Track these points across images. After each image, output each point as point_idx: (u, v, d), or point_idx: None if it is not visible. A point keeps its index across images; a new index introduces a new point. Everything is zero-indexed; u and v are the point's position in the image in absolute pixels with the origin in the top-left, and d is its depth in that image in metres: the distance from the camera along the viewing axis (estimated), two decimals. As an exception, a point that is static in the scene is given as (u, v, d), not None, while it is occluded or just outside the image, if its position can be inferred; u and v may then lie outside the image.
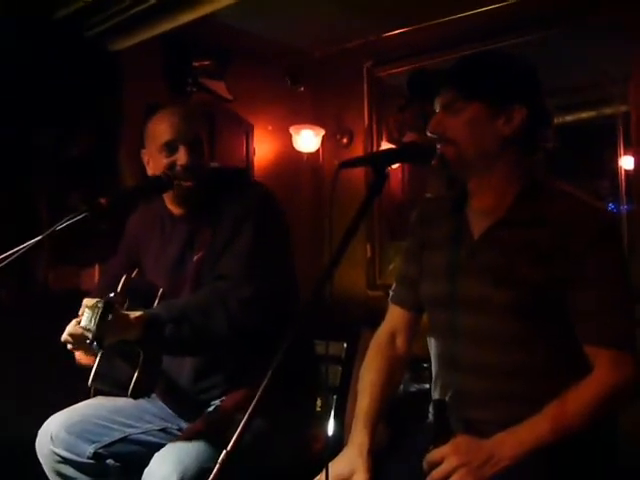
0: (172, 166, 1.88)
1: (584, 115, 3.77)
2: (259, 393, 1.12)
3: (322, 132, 4.36)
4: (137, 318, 1.69)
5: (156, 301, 1.88)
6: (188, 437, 1.75)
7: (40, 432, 1.91)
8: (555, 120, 1.58)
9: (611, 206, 3.50)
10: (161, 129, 1.90)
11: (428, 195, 2.34)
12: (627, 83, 3.37)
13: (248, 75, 4.08)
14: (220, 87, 3.91)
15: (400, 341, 1.70)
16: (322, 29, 3.84)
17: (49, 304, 3.01)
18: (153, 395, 1.93)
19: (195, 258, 1.90)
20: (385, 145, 4.30)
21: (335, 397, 2.13)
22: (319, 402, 2.16)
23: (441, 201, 1.68)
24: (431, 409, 1.60)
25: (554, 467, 1.35)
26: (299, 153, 4.39)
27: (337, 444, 1.73)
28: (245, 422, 1.10)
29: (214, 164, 2.06)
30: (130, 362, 1.73)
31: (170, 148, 1.89)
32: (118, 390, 1.79)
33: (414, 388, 3.34)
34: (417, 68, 3.70)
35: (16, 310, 2.94)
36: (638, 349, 1.39)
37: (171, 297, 1.88)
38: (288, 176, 4.42)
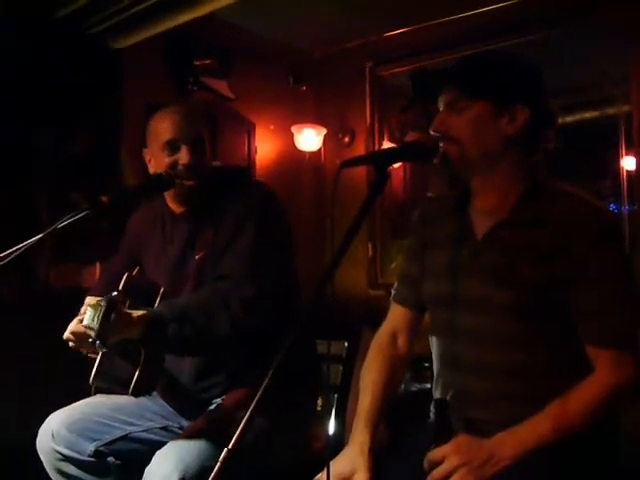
0: (174, 165, 1.88)
1: (586, 115, 3.76)
2: (260, 392, 1.12)
3: (324, 131, 4.36)
4: (140, 317, 1.69)
5: (157, 300, 1.88)
6: (189, 435, 1.75)
7: (41, 430, 1.91)
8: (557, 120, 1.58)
9: (613, 206, 3.50)
10: (163, 128, 1.90)
11: (430, 194, 2.34)
12: (629, 83, 3.37)
13: (250, 74, 4.07)
14: (222, 86, 3.91)
15: (401, 340, 1.70)
16: (323, 29, 3.84)
17: (50, 301, 3.01)
18: (154, 393, 1.93)
19: (197, 257, 1.90)
20: (387, 144, 4.30)
21: (336, 396, 2.13)
22: (320, 401, 2.16)
23: (443, 200, 1.68)
24: (432, 408, 1.60)
25: (555, 467, 1.35)
26: (301, 152, 4.39)
27: (338, 443, 1.73)
28: (246, 421, 1.10)
29: (216, 163, 2.06)
30: (131, 360, 1.73)
31: (172, 147, 1.89)
32: (119, 388, 1.79)
33: (415, 388, 3.34)
34: (419, 68, 3.71)
35: (18, 307, 2.94)
36: (639, 349, 1.39)
37: (172, 296, 1.88)
38: (290, 175, 4.42)
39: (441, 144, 1.47)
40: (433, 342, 1.62)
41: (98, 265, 3.18)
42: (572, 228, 1.39)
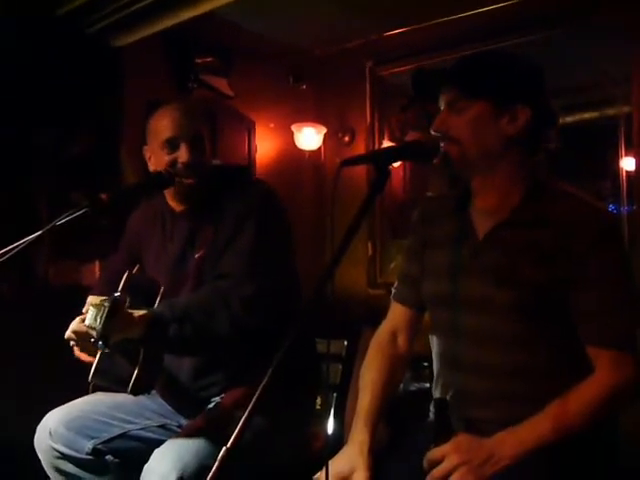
0: (173, 163, 1.88)
1: (586, 116, 3.76)
2: (259, 390, 1.12)
3: (324, 130, 4.36)
4: (141, 317, 1.69)
5: (158, 298, 1.88)
6: (188, 434, 1.75)
7: (39, 427, 1.91)
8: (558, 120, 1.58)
9: (612, 207, 3.50)
10: (162, 126, 1.90)
11: (430, 194, 2.34)
12: (630, 84, 3.37)
13: (250, 73, 4.07)
14: (222, 84, 3.91)
15: (401, 340, 1.70)
16: (323, 28, 3.84)
17: (49, 299, 3.01)
18: (153, 391, 1.93)
19: (197, 256, 1.90)
20: (387, 144, 4.30)
21: (335, 395, 2.13)
22: (319, 400, 2.16)
23: (443, 200, 1.68)
24: (432, 408, 1.60)
25: (555, 467, 1.35)
26: (301, 151, 4.39)
27: (337, 442, 1.72)
28: (245, 419, 1.10)
29: (216, 161, 2.06)
30: (130, 359, 1.73)
31: (171, 145, 1.89)
32: (118, 386, 1.79)
33: (414, 387, 3.34)
34: (419, 67, 3.71)
35: (17, 305, 2.94)
36: (639, 349, 1.39)
37: (172, 294, 1.87)
38: (290, 174, 4.42)
39: (441, 144, 1.47)
40: (433, 342, 1.61)
41: (97, 263, 3.19)
42: (572, 228, 1.39)
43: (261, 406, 1.11)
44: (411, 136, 4.17)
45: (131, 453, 1.87)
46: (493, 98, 1.45)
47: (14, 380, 2.68)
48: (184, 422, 1.92)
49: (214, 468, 1.08)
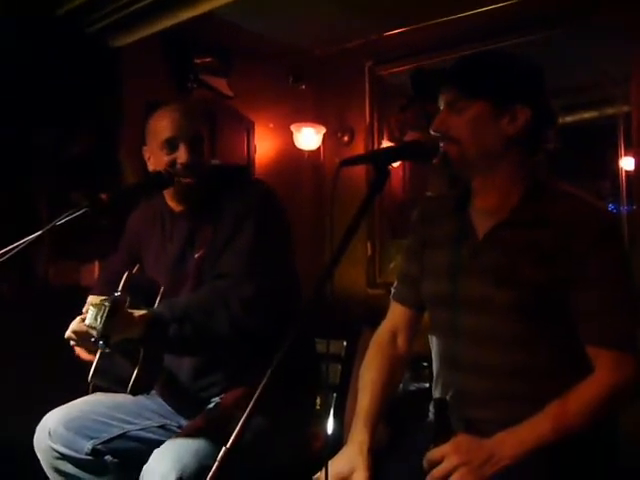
0: (172, 164, 1.88)
1: (585, 115, 3.76)
2: (259, 390, 1.12)
3: (323, 130, 4.36)
4: (141, 317, 1.69)
5: (158, 298, 1.88)
6: (188, 434, 1.74)
7: (38, 428, 1.91)
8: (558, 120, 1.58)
9: (611, 206, 3.50)
10: (162, 126, 1.90)
11: (429, 194, 2.34)
12: (629, 83, 3.37)
13: (250, 73, 4.07)
14: (221, 84, 3.91)
15: (401, 339, 1.70)
16: (322, 29, 3.84)
17: (49, 299, 3.01)
18: (152, 392, 1.93)
19: (196, 256, 1.90)
20: (386, 143, 4.30)
21: (335, 395, 2.13)
22: (319, 400, 2.16)
23: (443, 200, 1.68)
24: (432, 408, 1.60)
25: (555, 467, 1.35)
26: (300, 151, 4.39)
27: (336, 442, 1.72)
28: (245, 419, 1.10)
29: (215, 161, 2.06)
30: (130, 359, 1.73)
31: (170, 145, 1.89)
32: (117, 386, 1.79)
33: (414, 387, 3.34)
34: (419, 67, 3.70)
35: (16, 305, 2.94)
36: (639, 349, 1.39)
37: (172, 294, 1.87)
38: (289, 174, 4.42)
39: (441, 144, 1.47)
40: (433, 342, 1.61)
41: (97, 263, 3.19)
42: (572, 228, 1.39)
43: (261, 406, 1.11)
44: (410, 136, 4.17)
45: (130, 453, 1.87)
46: (493, 98, 1.45)
47: (14, 380, 2.68)
48: (184, 422, 1.92)
49: (214, 468, 1.08)
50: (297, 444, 1.95)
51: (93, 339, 1.62)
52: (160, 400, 1.99)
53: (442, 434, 1.35)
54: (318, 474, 1.51)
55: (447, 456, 1.32)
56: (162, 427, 1.93)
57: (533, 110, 1.44)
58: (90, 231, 2.92)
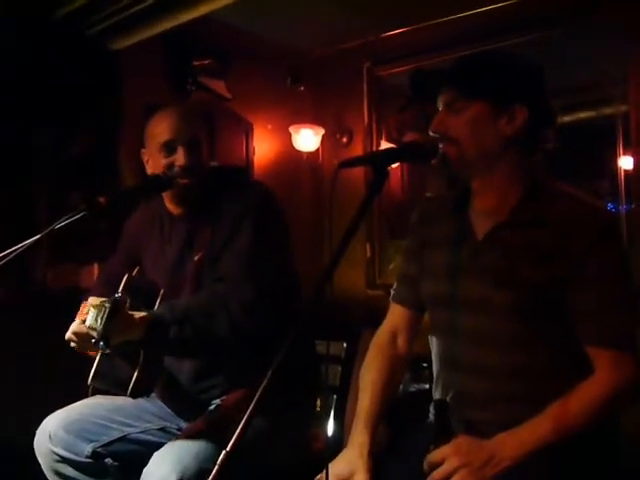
0: (171, 166, 1.88)
1: (583, 115, 3.76)
2: (259, 392, 1.11)
3: (322, 131, 4.36)
4: (141, 319, 1.69)
5: (158, 300, 1.87)
6: (188, 436, 1.74)
7: (38, 431, 1.91)
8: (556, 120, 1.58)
9: (610, 206, 3.50)
10: (160, 129, 1.90)
11: (428, 194, 2.34)
12: (627, 83, 3.37)
13: (248, 74, 4.07)
14: (219, 86, 3.91)
15: (401, 340, 1.70)
16: (322, 29, 3.84)
17: (48, 302, 3.01)
18: (152, 394, 1.92)
19: (195, 258, 1.90)
20: (384, 144, 4.29)
21: (335, 397, 2.13)
22: (319, 402, 2.16)
23: (442, 201, 1.68)
24: (432, 409, 1.60)
25: (555, 468, 1.35)
26: (299, 152, 4.39)
27: (337, 444, 1.72)
28: (245, 421, 1.10)
29: (213, 163, 2.06)
30: (130, 361, 1.73)
31: (169, 148, 1.89)
32: (117, 389, 1.79)
33: (414, 388, 3.33)
34: (417, 68, 3.70)
35: (15, 308, 2.93)
36: (638, 349, 1.39)
37: (171, 297, 1.87)
38: (288, 175, 4.42)
39: (440, 145, 1.47)
40: (433, 342, 1.61)
41: (96, 266, 3.18)
42: (571, 228, 1.39)
43: (261, 408, 1.10)
44: (409, 137, 4.17)
45: (131, 456, 1.87)
46: (491, 98, 1.45)
47: (13, 383, 2.68)
48: (184, 425, 1.92)
49: (214, 472, 1.08)
50: (297, 445, 1.95)
51: (93, 340, 1.62)
52: (160, 403, 1.99)
53: (442, 435, 1.35)
54: (319, 476, 1.51)
55: (447, 458, 1.32)
56: (162, 430, 1.93)
57: (531, 110, 1.43)
58: (89, 234, 2.92)
